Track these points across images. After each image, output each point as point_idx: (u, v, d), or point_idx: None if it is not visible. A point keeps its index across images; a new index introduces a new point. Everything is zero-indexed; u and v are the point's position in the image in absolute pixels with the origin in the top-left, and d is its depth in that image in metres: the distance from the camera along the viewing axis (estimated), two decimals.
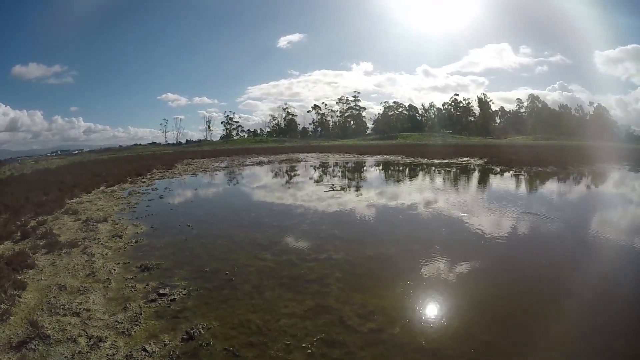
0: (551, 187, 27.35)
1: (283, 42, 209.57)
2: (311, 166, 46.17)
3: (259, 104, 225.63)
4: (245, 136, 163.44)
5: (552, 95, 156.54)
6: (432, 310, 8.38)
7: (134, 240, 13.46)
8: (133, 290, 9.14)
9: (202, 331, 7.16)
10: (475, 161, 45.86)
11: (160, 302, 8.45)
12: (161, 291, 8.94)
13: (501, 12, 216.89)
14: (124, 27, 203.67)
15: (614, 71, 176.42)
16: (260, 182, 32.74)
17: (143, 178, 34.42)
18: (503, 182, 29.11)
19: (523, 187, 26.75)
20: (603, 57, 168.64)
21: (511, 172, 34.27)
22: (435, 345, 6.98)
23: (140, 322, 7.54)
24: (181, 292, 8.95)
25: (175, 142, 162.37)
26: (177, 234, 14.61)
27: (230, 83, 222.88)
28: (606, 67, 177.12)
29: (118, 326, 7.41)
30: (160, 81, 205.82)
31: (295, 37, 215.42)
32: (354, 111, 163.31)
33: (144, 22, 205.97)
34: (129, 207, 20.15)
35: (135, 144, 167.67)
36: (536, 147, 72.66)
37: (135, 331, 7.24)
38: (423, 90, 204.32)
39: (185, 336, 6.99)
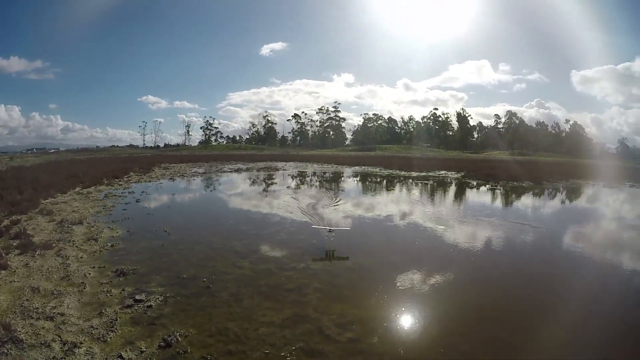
0: (526, 201, 27.95)
1: (266, 49, 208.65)
2: (289, 175, 46.14)
3: (239, 111, 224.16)
4: (224, 142, 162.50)
5: (529, 112, 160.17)
6: (409, 320, 8.48)
7: (109, 244, 13.28)
8: (108, 295, 9.00)
9: (180, 339, 7.10)
10: (452, 175, 46.43)
11: (136, 308, 8.34)
12: (137, 297, 8.83)
13: (482, 29, 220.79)
14: (109, 27, 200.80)
15: (590, 90, 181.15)
16: (238, 189, 32.63)
17: (120, 180, 34.00)
18: (479, 196, 29.57)
19: (498, 201, 27.25)
20: (579, 76, 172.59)
21: (487, 186, 34.81)
22: (413, 354, 7.07)
23: (116, 328, 7.43)
24: (158, 298, 8.86)
25: (153, 145, 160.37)
26: (154, 239, 14.46)
27: (211, 88, 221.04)
28: (582, 86, 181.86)
29: (93, 332, 7.30)
30: (141, 83, 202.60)
31: (278, 45, 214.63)
32: (333, 122, 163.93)
33: (129, 23, 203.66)
34: (105, 210, 19.88)
35: (113, 145, 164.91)
36: (513, 162, 73.78)
37: (111, 337, 7.13)
38: (403, 103, 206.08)
39: (162, 343, 6.92)
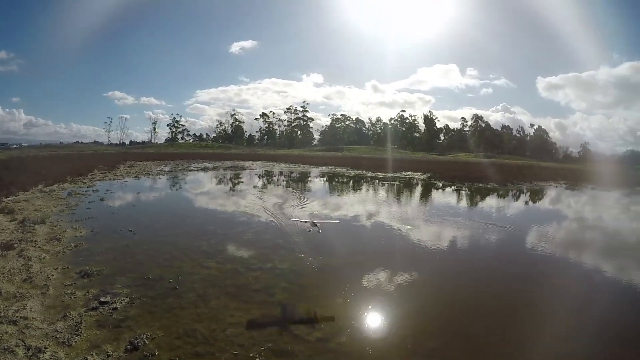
0: (491, 202, 28.76)
1: (236, 47, 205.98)
2: (256, 175, 45.96)
3: (207, 109, 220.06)
4: (191, 140, 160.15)
5: (495, 116, 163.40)
6: (377, 318, 8.65)
7: (73, 244, 13.02)
8: (73, 297, 8.86)
9: (147, 341, 7.06)
10: (418, 176, 47.09)
11: (101, 310, 8.24)
12: (102, 299, 8.72)
13: (451, 34, 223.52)
14: (77, 20, 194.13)
15: (554, 96, 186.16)
16: (205, 188, 32.34)
17: (84, 178, 33.22)
18: (445, 197, 30.18)
19: (464, 202, 27.87)
20: (545, 83, 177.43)
21: (453, 187, 35.46)
22: (381, 353, 7.23)
23: (81, 332, 7.32)
24: (123, 300, 8.76)
25: (118, 142, 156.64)
26: (119, 239, 14.25)
27: (179, 85, 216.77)
28: (547, 92, 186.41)
29: (58, 336, 7.18)
30: (108, 78, 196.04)
31: (248, 43, 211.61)
32: (301, 121, 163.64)
33: (97, 16, 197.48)
34: (69, 209, 19.46)
35: (77, 142, 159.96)
36: (478, 165, 75.27)
37: (76, 341, 7.04)
38: (371, 104, 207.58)
39: (129, 346, 6.88)
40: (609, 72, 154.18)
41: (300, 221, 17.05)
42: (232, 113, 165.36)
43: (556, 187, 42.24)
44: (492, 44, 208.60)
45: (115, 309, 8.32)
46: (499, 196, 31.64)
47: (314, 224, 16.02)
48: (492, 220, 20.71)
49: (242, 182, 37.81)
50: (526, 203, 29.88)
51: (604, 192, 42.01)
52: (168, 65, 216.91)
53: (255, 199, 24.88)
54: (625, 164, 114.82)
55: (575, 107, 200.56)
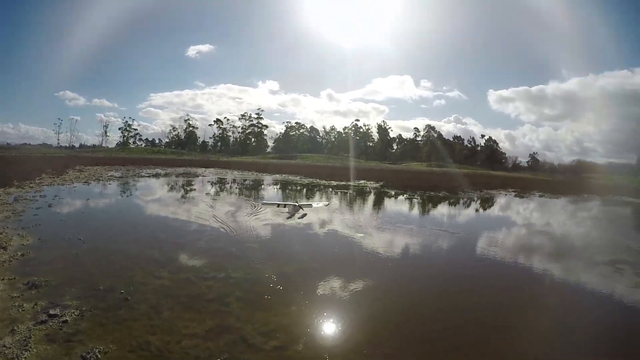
0: (443, 209, 29.68)
1: (193, 51, 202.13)
2: (209, 182, 45.52)
3: (160, 113, 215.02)
4: (143, 145, 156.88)
5: (447, 127, 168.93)
6: (333, 325, 8.80)
7: (19, 253, 12.56)
8: (20, 310, 8.58)
9: (99, 355, 6.96)
10: (372, 184, 47.79)
11: (51, 323, 8.02)
12: (52, 312, 8.48)
13: (407, 47, 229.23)
14: (28, 16, 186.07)
15: (505, 109, 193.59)
16: (157, 195, 31.74)
17: (31, 183, 32.02)
18: (398, 205, 30.82)
19: (416, 209, 28.58)
20: (496, 95, 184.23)
21: (406, 195, 36.20)
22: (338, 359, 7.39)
23: (31, 347, 7.13)
24: (73, 312, 8.55)
25: (68, 145, 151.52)
26: (68, 247, 13.85)
27: (133, 87, 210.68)
28: (498, 104, 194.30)
29: (6, 352, 6.97)
30: (59, 77, 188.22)
31: (205, 47, 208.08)
32: (256, 128, 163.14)
33: (50, 13, 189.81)
34: (15, 215, 18.74)
35: (25, 144, 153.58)
36: (430, 173, 77.16)
37: (25, 357, 6.85)
38: (326, 113, 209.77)
39: None
40: (558, 87, 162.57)
41: (279, 204, 16.99)
42: (186, 118, 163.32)
43: (506, 194, 44.16)
44: (446, 57, 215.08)
45: (66, 322, 8.12)
46: (451, 204, 32.73)
47: (297, 207, 15.92)
48: (444, 227, 21.46)
49: (195, 189, 37.35)
50: (477, 210, 31.11)
51: (551, 199, 44.37)
52: (123, 66, 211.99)
53: (208, 207, 24.67)
54: (571, 173, 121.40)
55: (525, 119, 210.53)
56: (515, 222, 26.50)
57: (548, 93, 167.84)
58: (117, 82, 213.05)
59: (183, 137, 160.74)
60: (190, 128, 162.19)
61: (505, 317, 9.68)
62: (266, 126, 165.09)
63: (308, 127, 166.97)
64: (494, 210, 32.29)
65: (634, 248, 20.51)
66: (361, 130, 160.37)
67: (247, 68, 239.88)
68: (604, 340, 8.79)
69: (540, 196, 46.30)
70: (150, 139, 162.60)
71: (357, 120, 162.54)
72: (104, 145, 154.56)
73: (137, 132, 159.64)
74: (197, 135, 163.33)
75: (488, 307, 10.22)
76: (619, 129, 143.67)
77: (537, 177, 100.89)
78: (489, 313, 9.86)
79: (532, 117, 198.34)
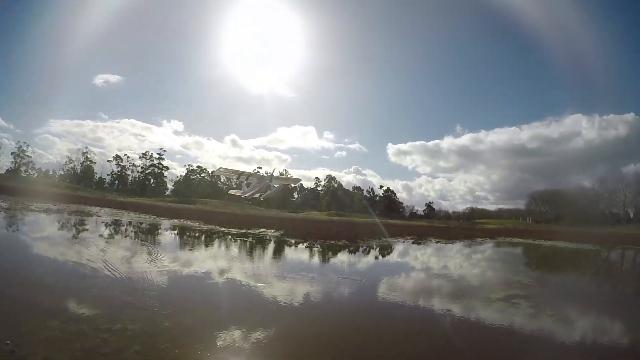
0: (343, 257, 30.72)
1: (100, 79, 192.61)
2: (103, 222, 43.30)
3: (58, 142, 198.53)
4: (36, 175, 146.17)
5: (347, 177, 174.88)
6: None
7: None
8: None
9: None
10: (271, 232, 47.90)
11: None
12: None
13: (313, 99, 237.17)
14: None
15: (403, 161, 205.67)
16: (46, 232, 29.73)
17: None
18: (298, 253, 31.28)
19: (317, 258, 29.28)
20: (395, 149, 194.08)
21: (306, 244, 36.85)
22: None
23: None
24: None
25: None
26: None
27: (32, 109, 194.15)
28: (397, 157, 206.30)
29: None
30: None
31: (114, 77, 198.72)
32: (156, 169, 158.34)
33: None
34: None
35: None
36: (330, 222, 78.85)
37: None
38: (229, 158, 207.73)
39: None
40: (452, 142, 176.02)
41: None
42: (85, 151, 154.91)
43: (404, 242, 46.49)
44: (349, 111, 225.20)
45: None
46: (351, 252, 33.98)
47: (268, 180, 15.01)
48: (345, 275, 22.21)
49: (88, 229, 35.38)
50: (376, 257, 32.92)
51: (447, 244, 47.79)
52: (23, 83, 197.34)
53: (102, 250, 23.58)
54: (465, 220, 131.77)
55: (421, 171, 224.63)
56: (414, 267, 28.25)
57: (443, 147, 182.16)
58: (16, 102, 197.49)
59: (79, 170, 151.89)
60: (88, 162, 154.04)
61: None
62: (167, 167, 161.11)
63: (210, 171, 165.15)
64: (393, 257, 34.30)
65: (525, 283, 23.03)
66: None
67: (153, 105, 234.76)
68: None
69: (437, 242, 49.50)
70: (44, 169, 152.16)
71: (260, 167, 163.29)
72: None
73: (30, 159, 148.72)
74: (95, 171, 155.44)
75: (392, 351, 10.87)
76: (507, 178, 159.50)
77: (433, 225, 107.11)
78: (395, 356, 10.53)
79: (428, 169, 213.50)
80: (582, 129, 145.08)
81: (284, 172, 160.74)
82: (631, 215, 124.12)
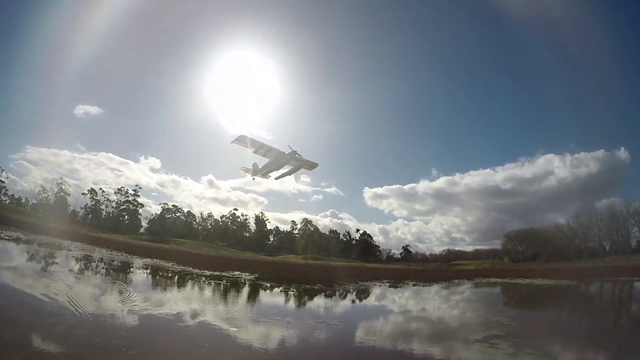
0: (319, 301, 30.22)
1: (80, 110, 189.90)
2: (74, 257, 42.21)
3: (33, 169, 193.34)
4: (7, 201, 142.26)
5: (323, 221, 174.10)
6: None
7: None
8: None
9: None
10: (246, 276, 47.16)
11: None
12: None
13: (291, 142, 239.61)
14: None
15: (379, 205, 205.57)
16: (14, 263, 28.84)
17: None
18: (273, 297, 30.73)
19: (292, 302, 28.76)
20: (371, 192, 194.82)
21: (281, 288, 36.29)
22: None
23: None
24: None
25: None
26: None
27: (9, 134, 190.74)
28: (373, 201, 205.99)
29: None
30: None
31: (94, 109, 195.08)
32: (131, 206, 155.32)
33: None
34: None
35: None
36: (306, 266, 78.24)
37: None
38: (204, 199, 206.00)
39: None
40: (428, 185, 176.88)
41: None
42: (60, 181, 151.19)
43: (380, 285, 45.98)
44: (327, 156, 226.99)
45: None
46: (327, 296, 33.50)
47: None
48: (321, 319, 21.79)
49: (58, 263, 34.28)
50: (353, 301, 32.36)
51: (424, 286, 47.63)
52: (3, 106, 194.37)
53: (71, 286, 22.84)
54: (442, 262, 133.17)
55: (398, 215, 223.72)
56: (391, 310, 27.98)
57: (419, 190, 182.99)
58: None
59: (53, 201, 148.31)
60: (62, 193, 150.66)
61: None
62: (142, 205, 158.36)
63: (185, 211, 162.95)
64: (371, 301, 33.86)
65: (503, 323, 22.85)
66: (239, 219, 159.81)
67: (132, 140, 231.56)
68: None
69: (414, 285, 49.05)
70: (16, 196, 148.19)
71: (236, 209, 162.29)
72: None
73: (3, 185, 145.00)
74: (68, 203, 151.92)
75: None
76: (483, 219, 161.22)
77: (410, 267, 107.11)
78: None
79: (404, 212, 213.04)
80: (555, 167, 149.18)
81: (260, 215, 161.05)
82: (607, 248, 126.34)
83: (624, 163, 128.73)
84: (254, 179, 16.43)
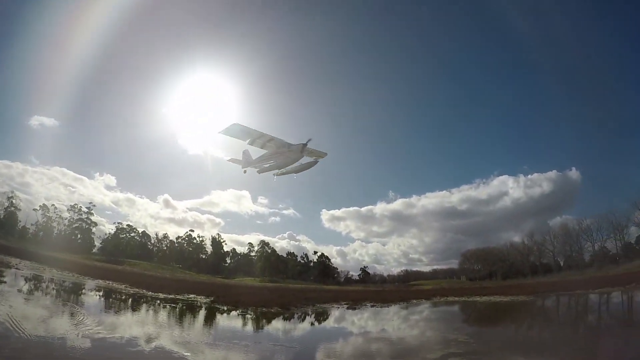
0: (277, 324, 29.77)
1: (36, 121, 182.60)
2: (23, 277, 40.44)
3: None
4: None
5: (281, 243, 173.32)
6: None
7: None
8: None
9: None
10: (202, 299, 46.18)
11: None
12: None
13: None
14: None
15: (337, 227, 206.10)
16: None
17: None
18: (230, 321, 30.04)
19: (250, 326, 28.22)
20: (329, 215, 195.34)
21: (238, 311, 35.65)
22: None
23: None
24: None
25: None
26: None
27: None
28: (330, 223, 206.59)
29: None
30: None
31: (50, 121, 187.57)
32: (84, 224, 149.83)
33: None
34: None
35: None
36: (263, 289, 77.27)
37: None
38: (160, 219, 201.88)
39: None
40: (385, 207, 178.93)
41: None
42: (10, 195, 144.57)
43: (339, 307, 45.79)
44: (284, 177, 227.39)
45: None
46: (285, 319, 33.03)
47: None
48: (280, 342, 21.45)
49: (5, 282, 32.91)
50: (312, 324, 32.11)
51: (383, 307, 47.63)
52: None
53: (19, 307, 21.85)
54: (400, 282, 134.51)
55: (355, 236, 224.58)
56: (351, 332, 27.79)
57: (376, 212, 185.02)
58: None
59: (2, 216, 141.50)
60: (13, 208, 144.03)
61: None
62: (95, 224, 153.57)
63: (140, 231, 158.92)
64: (329, 323, 33.70)
65: (461, 340, 22.90)
66: (195, 241, 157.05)
67: (87, 155, 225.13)
68: None
69: (373, 306, 49.10)
70: None
71: (192, 230, 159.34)
72: None
73: None
74: (19, 218, 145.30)
75: None
76: (440, 239, 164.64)
77: (368, 289, 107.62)
78: None
79: (362, 234, 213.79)
80: (509, 188, 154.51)
81: (217, 237, 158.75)
82: (561, 264, 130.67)
83: (575, 182, 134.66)
84: (245, 171, 15.18)
